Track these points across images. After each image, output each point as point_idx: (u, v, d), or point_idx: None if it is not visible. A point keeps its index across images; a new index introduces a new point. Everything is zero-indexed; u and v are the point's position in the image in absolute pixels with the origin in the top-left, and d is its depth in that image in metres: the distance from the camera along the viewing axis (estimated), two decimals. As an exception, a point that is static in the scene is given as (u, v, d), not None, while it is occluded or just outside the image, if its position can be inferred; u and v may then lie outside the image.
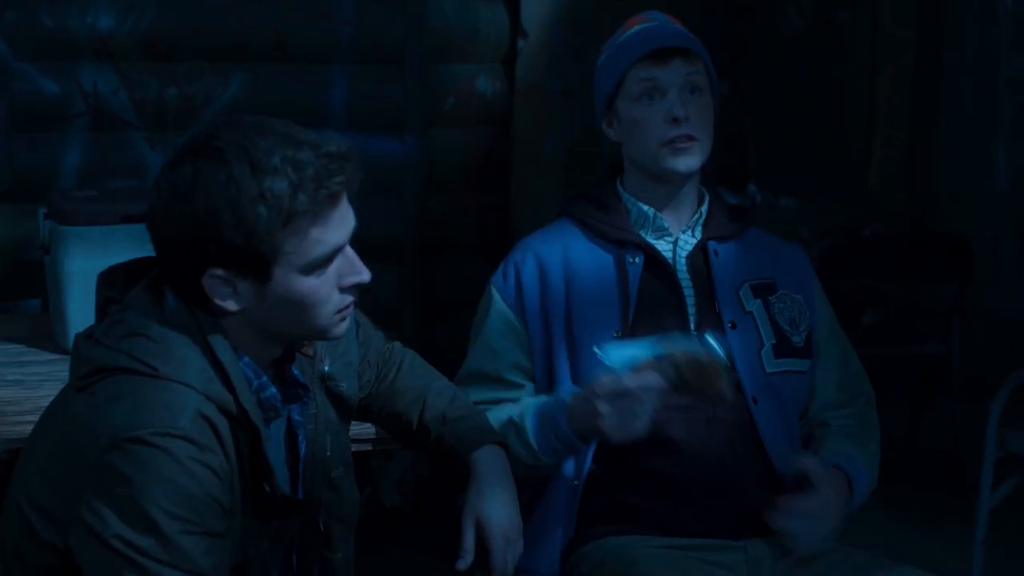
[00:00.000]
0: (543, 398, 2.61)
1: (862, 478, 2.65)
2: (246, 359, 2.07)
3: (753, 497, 2.59)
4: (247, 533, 2.09)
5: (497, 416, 2.59)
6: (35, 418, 2.14)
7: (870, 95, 6.49)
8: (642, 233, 2.69)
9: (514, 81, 4.94)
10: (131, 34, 4.11)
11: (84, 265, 3.00)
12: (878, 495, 2.74)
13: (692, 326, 2.63)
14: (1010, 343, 5.77)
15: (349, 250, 2.06)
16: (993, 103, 6.07)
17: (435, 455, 2.46)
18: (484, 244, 4.80)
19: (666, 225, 2.69)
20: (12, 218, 3.98)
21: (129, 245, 2.79)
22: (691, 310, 2.65)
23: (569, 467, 2.61)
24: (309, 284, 2.01)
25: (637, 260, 2.65)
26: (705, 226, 2.71)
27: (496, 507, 2.35)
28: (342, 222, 2.02)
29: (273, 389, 2.11)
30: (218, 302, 2.01)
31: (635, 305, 2.62)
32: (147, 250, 2.13)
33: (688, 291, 2.66)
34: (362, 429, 2.53)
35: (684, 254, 2.69)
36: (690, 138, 2.62)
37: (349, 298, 2.08)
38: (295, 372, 2.19)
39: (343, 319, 2.09)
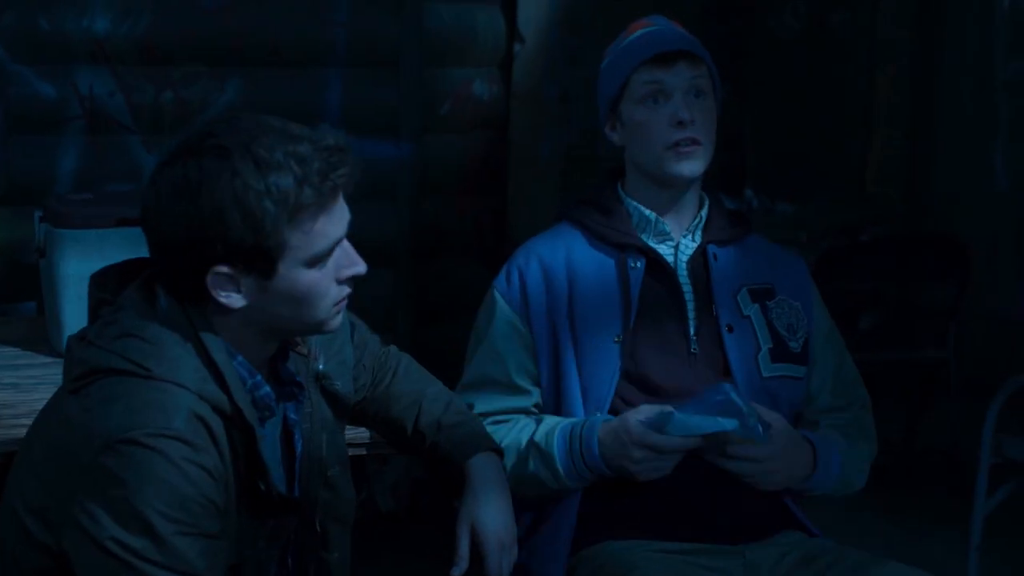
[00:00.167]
0: (565, 422, 2.60)
1: (834, 460, 2.64)
2: (240, 358, 2.07)
3: (750, 502, 2.59)
4: (243, 533, 2.09)
5: (517, 438, 2.60)
6: (30, 421, 2.14)
7: (868, 96, 6.50)
8: (644, 237, 2.69)
9: (511, 85, 4.93)
10: (127, 38, 4.10)
11: (80, 268, 2.99)
12: (876, 497, 2.75)
13: (692, 330, 2.64)
14: (1008, 344, 5.77)
15: (346, 242, 2.08)
16: (991, 104, 6.08)
17: (430, 461, 2.46)
18: (480, 248, 4.80)
19: (668, 229, 2.69)
20: (8, 221, 3.98)
21: (125, 248, 2.79)
22: (691, 314, 2.65)
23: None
24: (312, 277, 2.03)
25: (639, 264, 2.65)
26: (705, 230, 2.71)
27: (491, 514, 2.35)
28: (342, 214, 2.04)
29: (267, 388, 2.11)
30: (222, 300, 2.01)
31: (636, 309, 2.62)
32: (142, 253, 2.13)
33: (689, 295, 2.66)
34: (357, 434, 2.53)
35: (685, 258, 2.69)
36: (694, 142, 2.62)
37: (347, 290, 2.10)
38: (290, 369, 2.19)
39: (339, 312, 2.11)
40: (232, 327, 2.05)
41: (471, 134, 4.80)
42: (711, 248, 2.69)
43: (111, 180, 4.11)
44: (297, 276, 2.02)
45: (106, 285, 2.13)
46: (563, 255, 2.69)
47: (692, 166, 2.63)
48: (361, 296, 2.16)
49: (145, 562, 1.91)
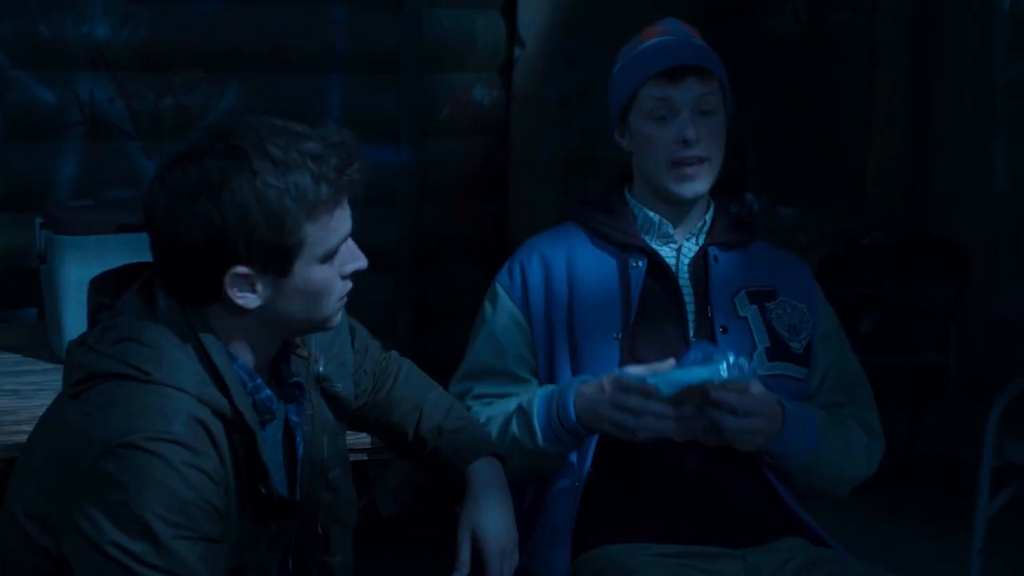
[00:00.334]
0: (551, 387, 2.61)
1: (809, 425, 2.59)
2: (240, 361, 2.08)
3: (750, 504, 2.60)
4: (244, 536, 2.09)
5: (506, 407, 2.61)
6: (31, 427, 2.15)
7: (868, 97, 6.50)
8: (647, 239, 2.70)
9: (511, 89, 4.93)
10: (127, 44, 4.10)
11: (80, 274, 2.99)
12: (877, 500, 2.74)
13: (691, 332, 2.64)
14: (1009, 346, 5.78)
15: (348, 238, 2.10)
16: (991, 105, 6.08)
17: (431, 466, 2.46)
18: (480, 253, 4.80)
19: (671, 232, 2.70)
20: (8, 227, 3.97)
21: (125, 254, 2.78)
22: (690, 316, 2.66)
23: (568, 472, 2.61)
24: (324, 273, 2.06)
25: (640, 264, 2.66)
26: (708, 234, 2.73)
27: (492, 520, 2.35)
28: (347, 209, 2.07)
29: (268, 391, 2.11)
30: (239, 301, 2.02)
31: (636, 309, 2.63)
32: (142, 258, 2.13)
33: (689, 297, 2.67)
34: (358, 439, 2.53)
35: (687, 261, 2.70)
36: (700, 160, 2.63)
37: (349, 285, 2.12)
38: (291, 371, 2.20)
39: (342, 307, 2.14)
40: (242, 328, 2.07)
41: (471, 139, 4.80)
42: (712, 250, 2.70)
43: (111, 186, 4.11)
44: (311, 273, 2.04)
45: (105, 290, 2.13)
46: (565, 253, 2.71)
47: (695, 187, 2.65)
48: (361, 301, 2.17)
49: (145, 566, 1.91)
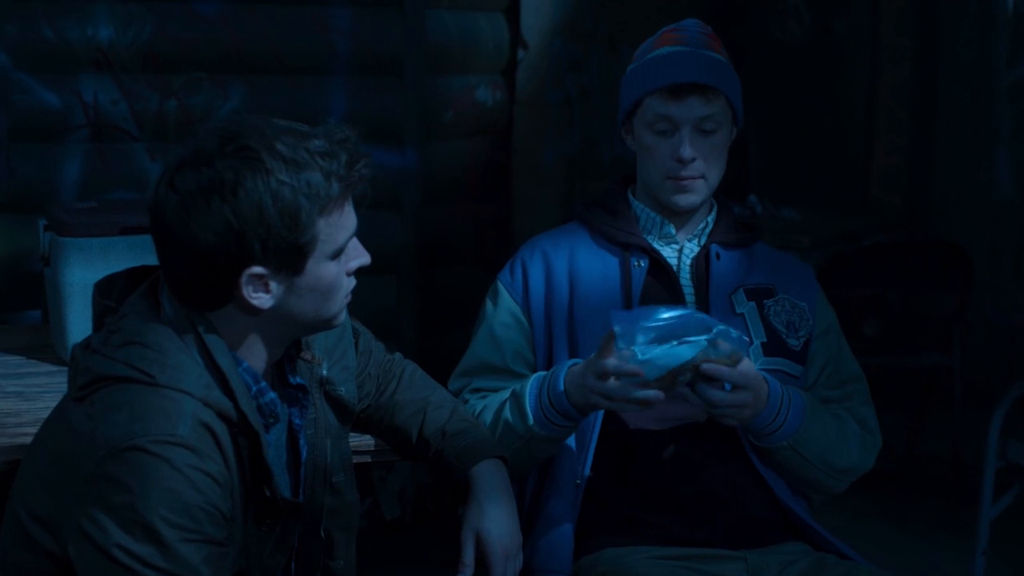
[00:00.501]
0: (544, 372, 2.62)
1: (794, 402, 2.56)
2: (245, 364, 2.08)
3: (752, 506, 2.60)
4: (248, 539, 2.09)
5: (500, 397, 2.61)
6: (35, 430, 2.14)
7: (871, 101, 6.50)
8: (649, 239, 2.70)
9: (514, 92, 4.94)
10: (131, 46, 4.11)
11: (84, 276, 3.00)
12: (879, 503, 2.73)
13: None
14: (1012, 349, 5.78)
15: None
16: (993, 111, 6.08)
17: (435, 468, 2.46)
18: (484, 254, 4.80)
19: (673, 232, 2.71)
20: (12, 229, 3.98)
21: (129, 256, 2.80)
22: (691, 316, 2.66)
23: (569, 469, 2.61)
24: (333, 270, 2.07)
25: (642, 263, 2.67)
26: (711, 234, 2.73)
27: (496, 522, 2.35)
28: (352, 206, 2.08)
29: (273, 395, 2.12)
30: (253, 302, 2.03)
31: (638, 307, 2.63)
32: (147, 261, 2.13)
33: (690, 297, 2.68)
34: (362, 441, 2.53)
35: (688, 260, 2.70)
36: (695, 177, 2.63)
37: (354, 282, 2.13)
38: (296, 374, 2.20)
39: (346, 305, 2.14)
40: (251, 330, 2.07)
41: (474, 141, 4.80)
42: (714, 248, 2.70)
43: (115, 188, 4.11)
44: (322, 270, 2.05)
45: (110, 293, 2.13)
46: (567, 251, 2.72)
47: (689, 199, 2.65)
48: (366, 304, 2.17)
49: (150, 569, 1.91)
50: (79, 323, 2.99)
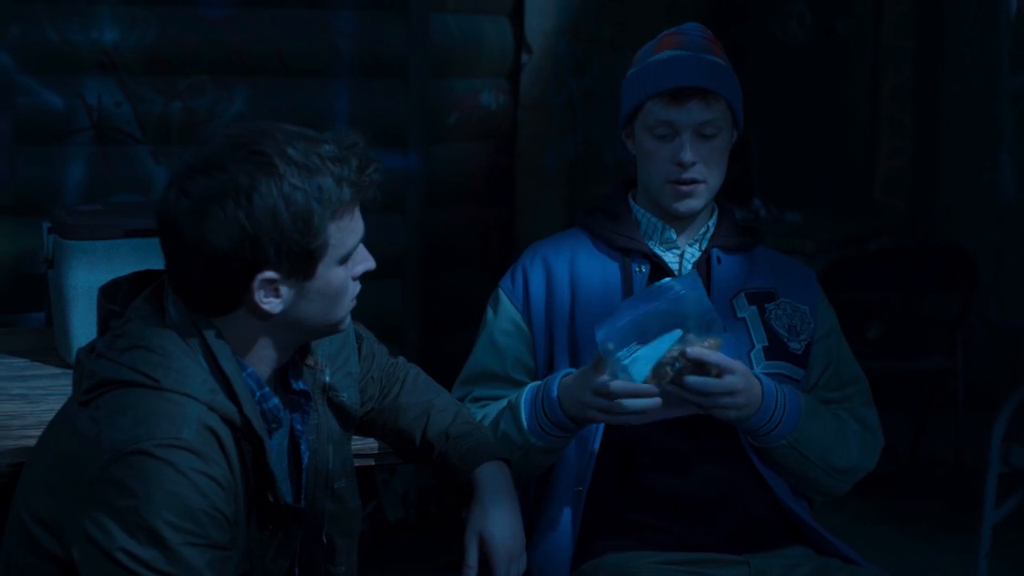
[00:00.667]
0: (539, 382, 2.62)
1: (790, 402, 2.56)
2: (249, 369, 2.08)
3: (755, 510, 2.59)
4: (252, 544, 2.09)
5: (498, 407, 2.61)
6: (38, 432, 2.14)
7: (874, 104, 6.50)
8: (650, 244, 2.70)
9: (518, 95, 4.94)
10: (135, 48, 4.11)
11: (88, 279, 3.00)
12: (882, 506, 2.73)
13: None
14: (1015, 353, 5.78)
15: None
16: (995, 114, 6.08)
17: (439, 471, 2.46)
18: (487, 258, 4.81)
19: (674, 237, 2.70)
20: (16, 232, 3.98)
21: (133, 259, 2.80)
22: (691, 321, 2.66)
23: (571, 477, 2.61)
24: (342, 275, 2.08)
25: (643, 269, 2.67)
26: (712, 239, 2.73)
27: (499, 524, 2.34)
28: (360, 212, 2.09)
29: (276, 400, 2.12)
30: (264, 307, 2.03)
31: (639, 313, 2.63)
32: (151, 264, 2.13)
33: (691, 301, 2.67)
34: (365, 444, 2.53)
35: (689, 265, 2.70)
36: (695, 181, 2.63)
37: (359, 286, 2.14)
38: (298, 380, 2.20)
39: (351, 310, 2.15)
40: (259, 334, 2.07)
41: (478, 144, 4.80)
42: (715, 252, 2.70)
43: (119, 190, 4.12)
44: (331, 275, 2.06)
45: (115, 297, 2.14)
46: (568, 257, 2.72)
47: (689, 204, 2.64)
48: (369, 307, 2.17)
49: (154, 572, 1.91)
50: (83, 326, 2.99)
